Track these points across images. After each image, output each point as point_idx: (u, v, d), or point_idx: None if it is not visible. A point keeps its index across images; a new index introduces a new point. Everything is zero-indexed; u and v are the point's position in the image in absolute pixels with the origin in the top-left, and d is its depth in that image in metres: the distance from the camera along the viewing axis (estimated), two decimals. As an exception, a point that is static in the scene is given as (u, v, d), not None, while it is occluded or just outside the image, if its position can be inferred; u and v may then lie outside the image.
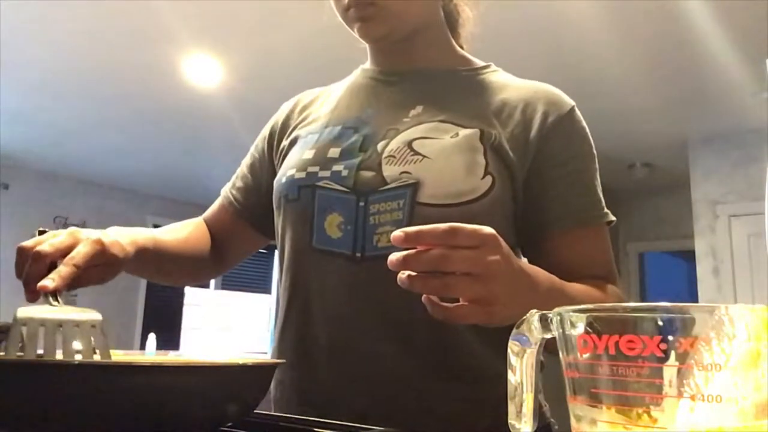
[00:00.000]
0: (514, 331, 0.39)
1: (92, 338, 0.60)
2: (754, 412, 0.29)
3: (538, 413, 0.77)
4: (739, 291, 4.74)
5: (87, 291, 0.79)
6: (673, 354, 0.30)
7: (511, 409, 0.39)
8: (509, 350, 0.39)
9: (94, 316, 0.62)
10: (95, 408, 0.43)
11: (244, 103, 4.36)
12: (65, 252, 0.68)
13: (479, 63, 0.93)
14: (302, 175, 0.84)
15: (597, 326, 0.32)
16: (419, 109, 0.85)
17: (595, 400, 0.32)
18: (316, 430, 0.55)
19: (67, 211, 6.32)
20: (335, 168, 0.82)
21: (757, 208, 4.62)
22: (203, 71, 3.97)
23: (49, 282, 0.64)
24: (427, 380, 0.76)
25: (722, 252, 4.89)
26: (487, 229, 0.58)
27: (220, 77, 4.05)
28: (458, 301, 0.59)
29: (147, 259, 0.84)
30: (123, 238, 0.78)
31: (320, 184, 0.82)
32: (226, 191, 1.03)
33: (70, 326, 0.60)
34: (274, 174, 0.93)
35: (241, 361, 0.50)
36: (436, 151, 0.79)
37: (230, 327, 4.51)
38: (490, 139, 0.80)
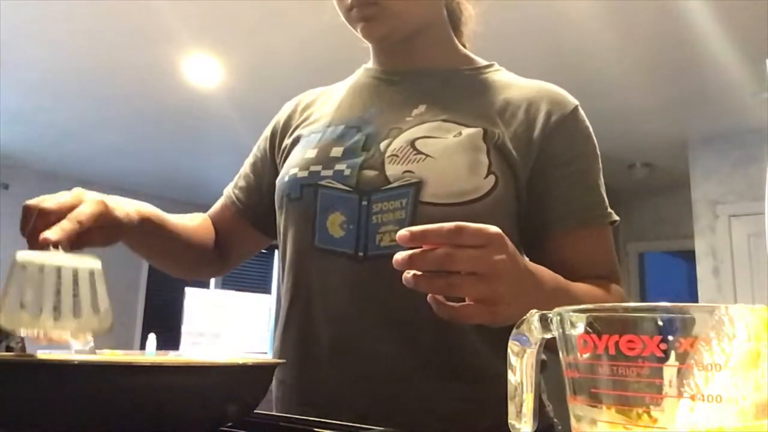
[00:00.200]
0: (514, 331, 0.39)
1: (89, 286, 0.61)
2: (754, 412, 0.29)
3: (541, 413, 0.77)
4: (739, 291, 4.74)
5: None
6: (673, 354, 0.30)
7: (511, 409, 0.39)
8: (509, 350, 0.39)
9: (94, 263, 0.63)
10: (95, 408, 0.43)
11: (244, 103, 4.36)
12: (69, 210, 0.69)
13: (482, 62, 0.93)
14: (305, 174, 0.84)
15: (597, 326, 0.32)
16: (422, 108, 0.85)
17: (595, 400, 0.32)
18: (316, 430, 0.55)
19: (67, 211, 6.31)
20: (338, 167, 0.82)
21: (757, 208, 4.62)
22: (203, 71, 3.97)
23: (51, 234, 0.65)
24: (429, 380, 0.76)
25: (722, 252, 4.89)
26: (493, 229, 0.58)
27: (220, 77, 4.05)
28: (464, 301, 0.59)
29: (150, 231, 0.85)
30: (127, 204, 0.79)
31: (323, 183, 0.82)
32: (229, 191, 1.03)
33: (68, 271, 0.60)
34: (276, 173, 0.93)
35: (241, 361, 0.50)
36: (439, 151, 0.79)
37: (230, 327, 4.51)
38: (493, 138, 0.80)
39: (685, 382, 0.30)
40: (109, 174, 6.28)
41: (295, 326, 0.83)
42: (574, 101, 0.86)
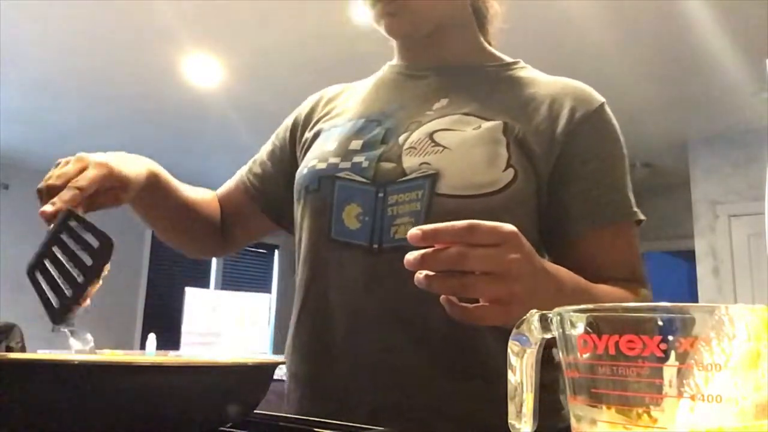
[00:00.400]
0: (514, 331, 0.39)
1: None
2: (754, 412, 0.29)
3: (559, 415, 0.76)
4: (739, 291, 4.74)
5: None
6: (673, 354, 0.30)
7: (511, 409, 0.39)
8: (509, 350, 0.39)
9: None
10: (95, 408, 0.43)
11: (244, 102, 4.36)
12: (73, 178, 0.69)
13: (507, 59, 0.92)
14: (323, 165, 0.83)
15: (597, 326, 0.32)
16: (444, 102, 0.85)
17: (595, 400, 0.32)
18: (316, 430, 0.55)
19: (67, 211, 6.31)
20: (356, 159, 0.82)
21: (757, 208, 4.62)
22: (203, 71, 3.97)
23: (49, 206, 0.65)
24: (440, 377, 0.75)
25: (722, 252, 4.89)
26: (508, 226, 0.56)
27: (220, 77, 4.05)
28: (477, 301, 0.57)
29: (159, 190, 0.86)
30: (135, 161, 0.80)
31: (340, 175, 0.81)
32: (243, 175, 1.02)
33: None
34: (294, 163, 0.93)
35: (241, 361, 0.50)
36: (457, 143, 0.78)
37: (230, 327, 4.51)
38: (513, 131, 0.79)
39: (685, 382, 0.29)
40: (109, 174, 6.28)
41: (308, 319, 0.82)
42: (600, 98, 0.84)
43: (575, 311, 0.34)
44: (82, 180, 0.69)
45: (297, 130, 0.98)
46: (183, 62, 3.87)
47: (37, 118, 4.88)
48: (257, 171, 1.01)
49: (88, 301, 0.64)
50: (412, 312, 0.75)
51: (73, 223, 0.65)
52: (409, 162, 0.78)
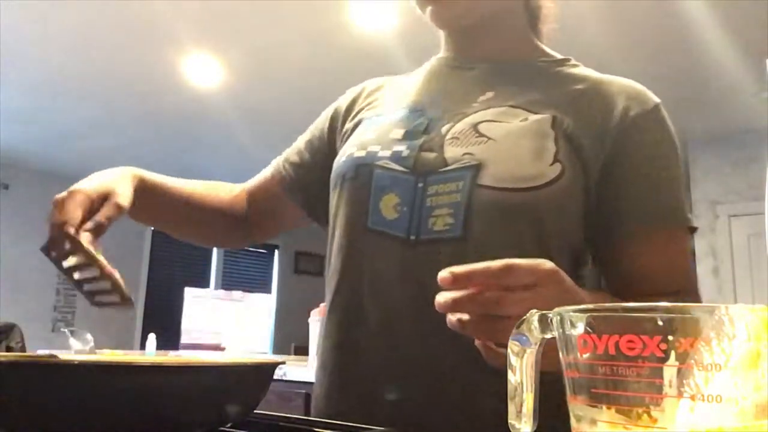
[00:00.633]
0: (514, 331, 0.39)
1: None
2: (754, 412, 0.29)
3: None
4: (739, 291, 4.74)
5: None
6: (673, 354, 0.30)
7: (511, 409, 0.39)
8: (509, 350, 0.39)
9: None
10: (95, 408, 0.43)
11: (244, 103, 4.36)
12: (83, 220, 0.75)
13: (558, 56, 0.90)
14: (362, 153, 0.81)
15: (597, 326, 0.32)
16: (490, 94, 0.82)
17: (595, 400, 0.32)
18: (316, 430, 0.55)
19: (67, 211, 6.31)
20: (396, 148, 0.79)
21: (757, 208, 4.62)
22: (203, 71, 3.97)
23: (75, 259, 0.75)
24: (471, 373, 0.72)
25: (722, 252, 4.89)
26: (547, 264, 0.53)
27: (220, 77, 4.05)
28: None
29: (146, 191, 0.88)
30: (120, 175, 0.84)
31: (379, 163, 0.79)
32: (279, 163, 1.01)
33: None
34: (331, 156, 0.91)
35: (241, 361, 0.50)
36: (502, 134, 0.75)
37: (230, 327, 4.51)
38: (562, 125, 0.76)
39: (685, 382, 0.29)
40: (109, 174, 6.28)
41: (340, 308, 0.80)
42: (655, 99, 0.81)
43: (575, 311, 0.34)
44: (103, 219, 0.77)
45: (337, 120, 0.96)
46: (183, 62, 3.87)
47: (37, 118, 4.88)
48: (294, 160, 0.99)
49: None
50: None
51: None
52: (451, 152, 0.76)
